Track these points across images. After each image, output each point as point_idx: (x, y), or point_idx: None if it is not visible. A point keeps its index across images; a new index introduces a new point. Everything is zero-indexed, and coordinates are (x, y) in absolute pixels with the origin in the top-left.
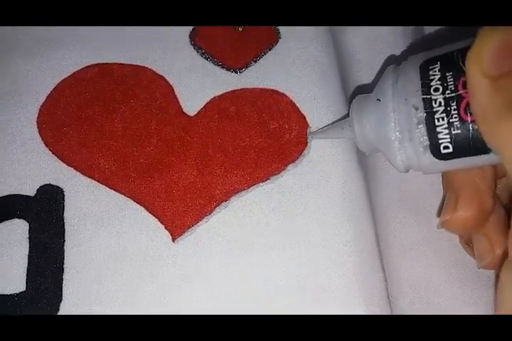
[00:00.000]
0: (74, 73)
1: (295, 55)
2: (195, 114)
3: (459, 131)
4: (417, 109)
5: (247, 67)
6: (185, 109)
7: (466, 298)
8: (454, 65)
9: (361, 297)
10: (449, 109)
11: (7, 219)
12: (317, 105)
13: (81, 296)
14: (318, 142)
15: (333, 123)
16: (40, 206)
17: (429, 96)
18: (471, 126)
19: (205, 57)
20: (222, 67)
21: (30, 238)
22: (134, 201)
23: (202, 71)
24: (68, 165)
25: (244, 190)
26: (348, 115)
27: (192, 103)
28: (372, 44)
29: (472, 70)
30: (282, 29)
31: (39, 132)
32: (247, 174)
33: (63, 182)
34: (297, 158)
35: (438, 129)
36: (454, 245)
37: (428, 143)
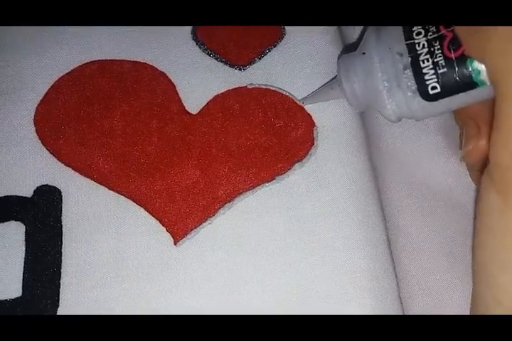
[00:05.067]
0: (72, 70)
1: (300, 52)
2: (198, 112)
3: (445, 70)
4: (401, 55)
5: (251, 64)
6: (187, 107)
7: None
8: None
9: (372, 300)
10: (432, 49)
11: (3, 221)
12: (323, 103)
13: (79, 302)
14: (325, 140)
15: (322, 86)
16: (37, 207)
17: (412, 41)
18: (455, 62)
19: (207, 53)
20: (226, 64)
21: (26, 241)
22: (134, 202)
23: (204, 67)
24: (66, 165)
25: (249, 190)
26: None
27: (194, 100)
28: None
29: None
30: None
31: (36, 131)
32: (252, 174)
33: (61, 182)
34: (304, 156)
35: (424, 70)
36: (466, 246)
37: (416, 86)
